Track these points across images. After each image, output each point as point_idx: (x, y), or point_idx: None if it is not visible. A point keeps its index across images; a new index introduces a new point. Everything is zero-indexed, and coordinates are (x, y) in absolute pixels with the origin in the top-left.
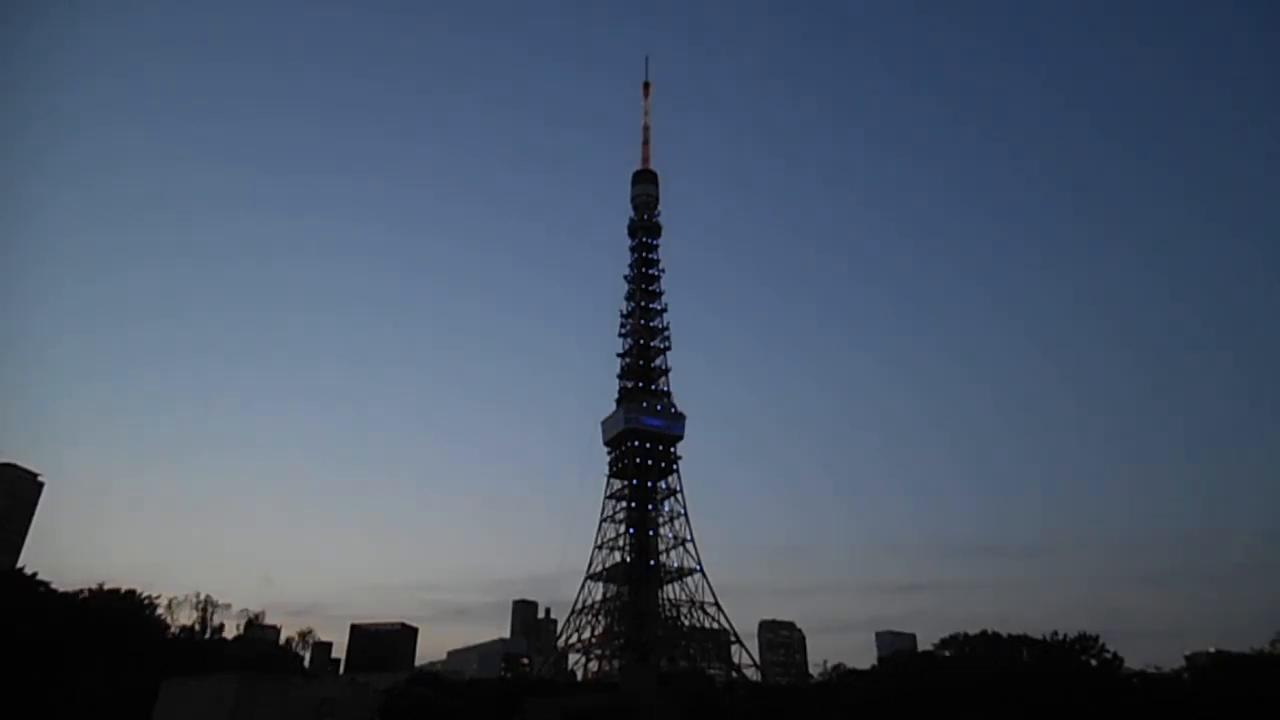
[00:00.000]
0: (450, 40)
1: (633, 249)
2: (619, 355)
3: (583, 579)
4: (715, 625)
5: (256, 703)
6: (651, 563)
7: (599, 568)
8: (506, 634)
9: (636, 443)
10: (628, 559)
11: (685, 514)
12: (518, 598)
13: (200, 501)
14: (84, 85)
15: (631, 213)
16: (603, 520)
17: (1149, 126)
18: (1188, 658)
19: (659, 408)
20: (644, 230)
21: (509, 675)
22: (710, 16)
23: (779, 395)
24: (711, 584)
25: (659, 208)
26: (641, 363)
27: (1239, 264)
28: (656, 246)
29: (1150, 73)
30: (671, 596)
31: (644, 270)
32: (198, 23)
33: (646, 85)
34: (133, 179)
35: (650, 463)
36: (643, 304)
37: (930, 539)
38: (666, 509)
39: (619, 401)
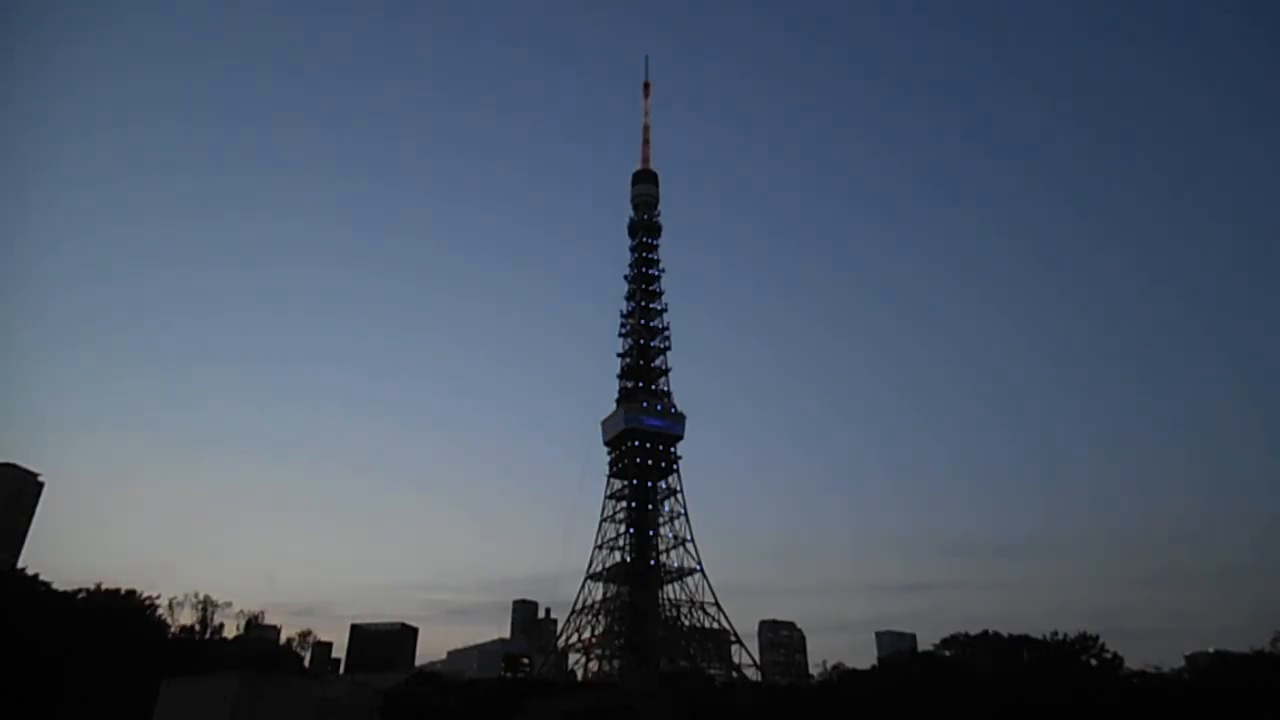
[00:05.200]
0: (448, 44)
1: (633, 249)
2: (619, 355)
3: (583, 579)
4: (715, 625)
5: (257, 702)
6: (651, 563)
7: (599, 568)
8: (506, 634)
9: (636, 442)
10: (628, 559)
11: (685, 514)
12: (518, 598)
13: (201, 501)
14: (84, 89)
15: (631, 213)
16: (603, 520)
17: (1145, 125)
18: (1188, 658)
19: (659, 408)
20: (644, 230)
21: (509, 675)
22: (707, 20)
23: (779, 395)
24: (711, 584)
25: (659, 208)
26: (641, 363)
27: (1238, 263)
28: (657, 246)
29: (1143, 69)
30: (671, 596)
31: (644, 270)
32: (199, 28)
33: (646, 85)
34: (134, 182)
35: (650, 462)
36: (643, 304)
37: (930, 539)
38: (666, 509)
39: (619, 401)
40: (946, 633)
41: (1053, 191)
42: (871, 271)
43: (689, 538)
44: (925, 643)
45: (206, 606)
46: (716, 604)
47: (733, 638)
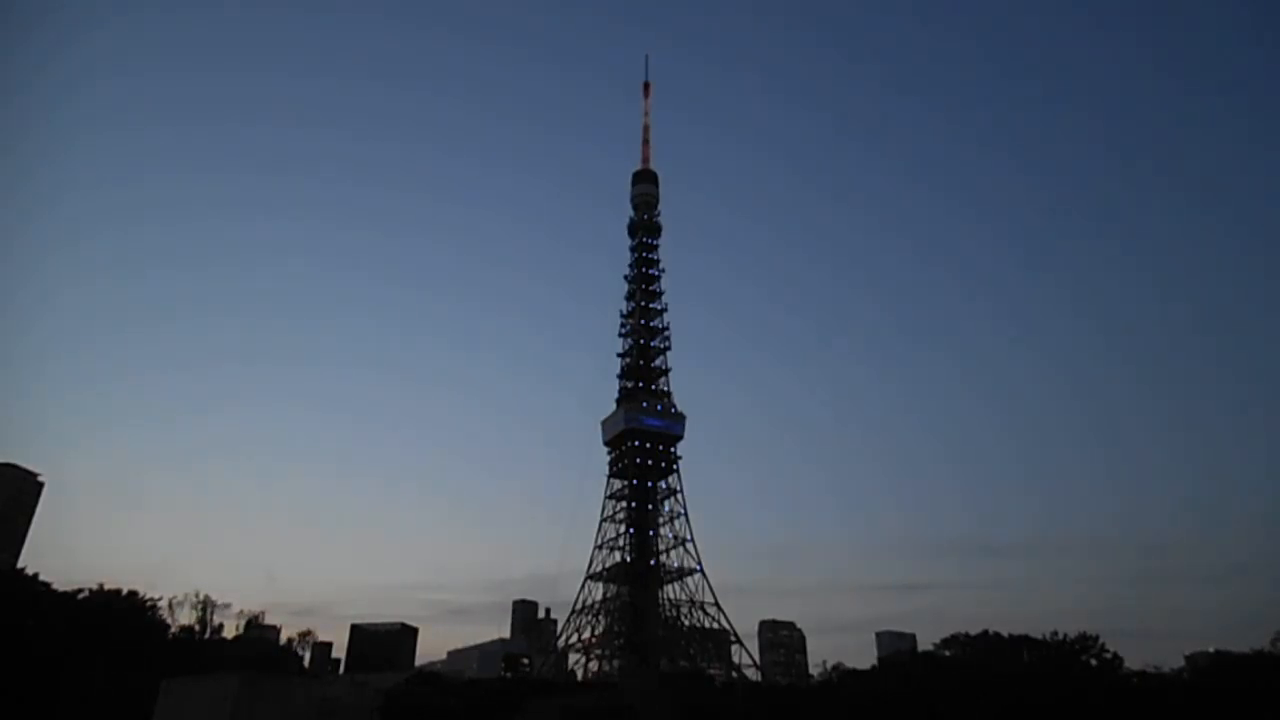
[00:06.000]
0: (448, 44)
1: (633, 249)
2: (619, 355)
3: (583, 579)
4: (715, 625)
5: (257, 703)
6: (651, 563)
7: (599, 568)
8: (506, 634)
9: (636, 442)
10: (628, 559)
11: (685, 514)
12: (518, 598)
13: (201, 502)
14: (85, 90)
15: (631, 213)
16: (603, 520)
17: (1143, 127)
18: (1188, 658)
19: (659, 408)
20: (644, 230)
21: (509, 675)
22: (707, 20)
23: (778, 396)
24: (711, 584)
25: (659, 208)
26: (641, 363)
27: (1233, 264)
28: (657, 246)
29: (1143, 72)
30: (671, 596)
31: (644, 270)
32: (200, 29)
33: (647, 85)
34: (135, 184)
35: (650, 462)
36: (643, 304)
37: (930, 539)
38: (666, 509)
39: (619, 401)
40: (946, 633)
41: (1052, 193)
42: (871, 272)
43: (689, 538)
44: (925, 643)
45: (206, 606)
46: (716, 604)
47: (733, 638)
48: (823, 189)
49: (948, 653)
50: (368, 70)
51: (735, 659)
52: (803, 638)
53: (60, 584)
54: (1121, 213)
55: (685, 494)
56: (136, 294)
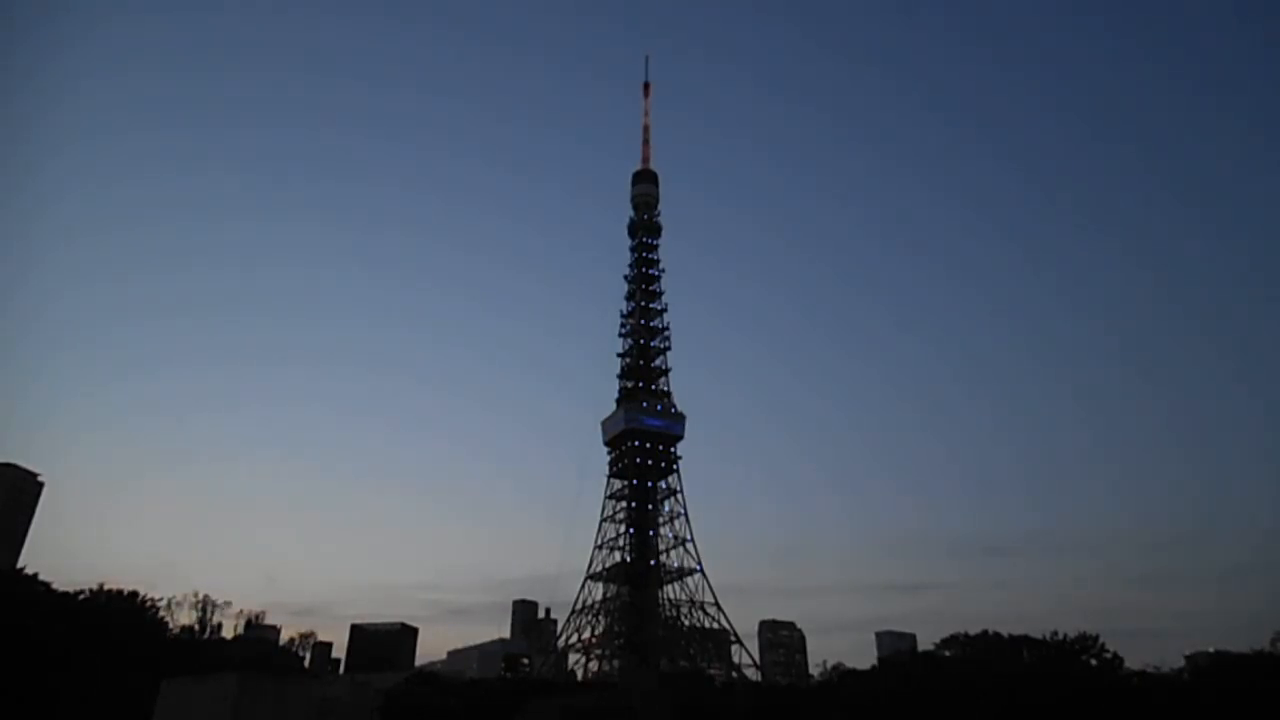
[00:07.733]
0: (448, 44)
1: (633, 249)
2: (619, 355)
3: (583, 579)
4: (715, 625)
5: (257, 703)
6: (651, 563)
7: (599, 568)
8: (506, 634)
9: (636, 442)
10: (628, 559)
11: (685, 514)
12: (518, 598)
13: (201, 502)
14: (85, 91)
15: (631, 213)
16: (603, 520)
17: (1143, 126)
18: (1188, 658)
19: (659, 407)
20: (644, 230)
21: (509, 675)
22: (707, 20)
23: (778, 396)
24: (711, 584)
25: (659, 208)
26: (641, 362)
27: (1232, 263)
28: (657, 246)
29: (1140, 71)
30: (671, 596)
31: (644, 270)
32: (199, 30)
33: (647, 85)
34: (136, 184)
35: (650, 462)
36: (643, 304)
37: (930, 539)
38: (666, 509)
39: (619, 401)
40: (946, 633)
41: (1052, 193)
42: (871, 272)
43: (689, 538)
44: (925, 643)
45: (206, 606)
46: (716, 604)
47: (733, 638)
48: (822, 189)
49: (948, 653)
50: (366, 70)
51: (735, 659)
52: (803, 638)
53: (60, 584)
54: (1122, 212)
55: (685, 494)
56: (136, 294)
